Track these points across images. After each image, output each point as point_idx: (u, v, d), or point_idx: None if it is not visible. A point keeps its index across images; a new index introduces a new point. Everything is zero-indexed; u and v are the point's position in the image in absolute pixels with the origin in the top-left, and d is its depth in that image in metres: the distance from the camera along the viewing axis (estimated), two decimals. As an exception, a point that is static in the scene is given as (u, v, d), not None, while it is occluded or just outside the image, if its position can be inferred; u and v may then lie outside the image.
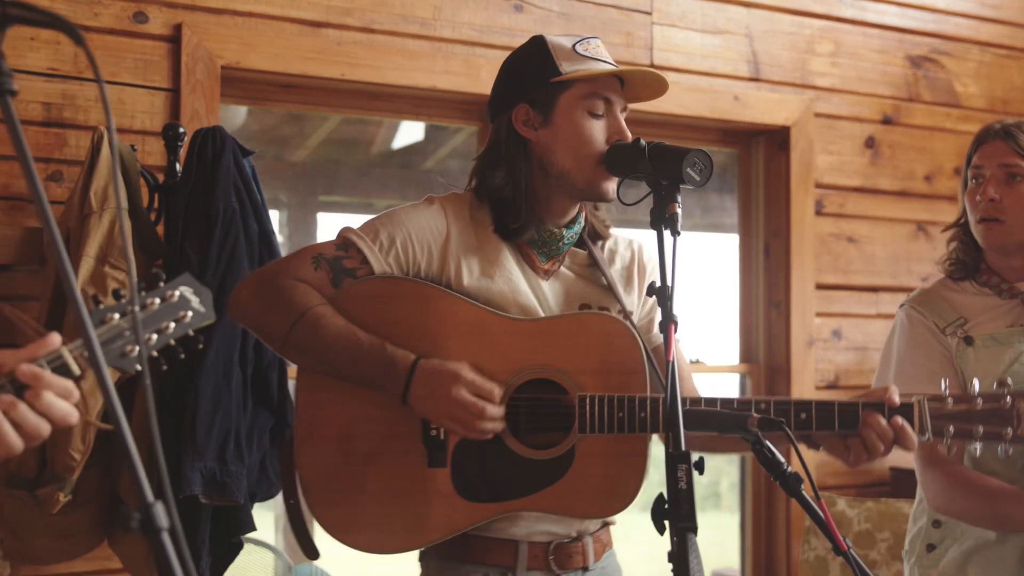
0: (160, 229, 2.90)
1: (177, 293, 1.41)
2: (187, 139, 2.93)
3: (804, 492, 1.51)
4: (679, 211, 1.73)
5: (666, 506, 1.47)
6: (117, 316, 1.34)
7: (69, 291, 1.03)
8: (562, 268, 2.13)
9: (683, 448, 1.49)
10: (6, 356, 1.27)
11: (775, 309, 4.29)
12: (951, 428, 1.95)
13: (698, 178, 1.75)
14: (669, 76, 3.85)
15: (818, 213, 4.29)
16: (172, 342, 1.40)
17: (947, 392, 1.98)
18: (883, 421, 1.90)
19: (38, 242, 2.82)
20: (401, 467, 2.02)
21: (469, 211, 2.10)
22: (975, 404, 1.97)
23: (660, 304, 1.65)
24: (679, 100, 3.95)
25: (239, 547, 2.81)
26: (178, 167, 2.91)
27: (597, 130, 2.03)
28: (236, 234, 2.75)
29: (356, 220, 2.09)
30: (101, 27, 3.07)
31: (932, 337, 2.45)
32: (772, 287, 4.31)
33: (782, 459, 1.57)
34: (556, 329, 2.03)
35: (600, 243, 2.20)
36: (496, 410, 1.95)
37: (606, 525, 2.16)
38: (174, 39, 3.16)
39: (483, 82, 3.59)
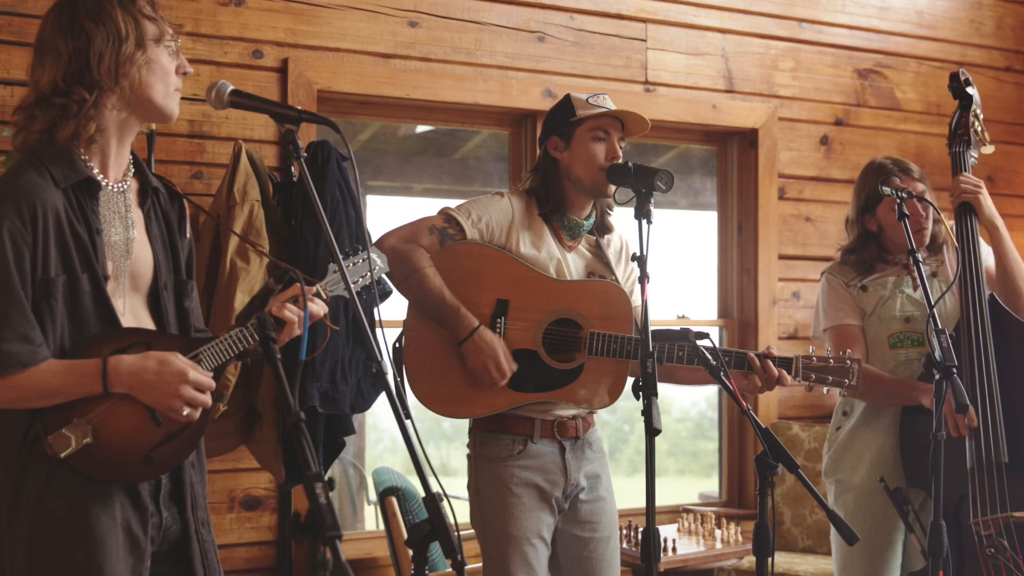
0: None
1: (370, 255, 2.39)
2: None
3: (722, 376, 2.50)
4: (652, 208, 2.70)
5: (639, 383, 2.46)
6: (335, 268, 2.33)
7: (333, 254, 2.03)
8: (580, 246, 3.12)
9: (651, 350, 2.47)
10: (286, 293, 2.26)
11: (746, 275, 5.06)
12: (813, 376, 2.97)
13: (664, 188, 2.73)
14: (660, 90, 4.83)
15: (781, 198, 5.05)
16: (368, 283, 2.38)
17: (812, 354, 2.99)
18: (772, 366, 2.92)
19: (193, 223, 3.77)
20: None
21: (525, 202, 3.08)
22: (829, 363, 2.98)
23: (639, 266, 2.63)
24: (668, 109, 4.80)
25: (343, 446, 3.82)
26: (293, 170, 3.90)
27: (599, 151, 3.02)
28: (340, 219, 3.74)
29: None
30: (229, 62, 4.04)
31: (844, 290, 3.53)
32: (744, 257, 5.08)
33: (711, 358, 2.57)
34: (578, 287, 3.03)
35: (606, 235, 3.17)
36: (503, 381, 2.92)
37: (590, 412, 3.12)
38: (282, 70, 4.11)
39: (514, 98, 4.50)
